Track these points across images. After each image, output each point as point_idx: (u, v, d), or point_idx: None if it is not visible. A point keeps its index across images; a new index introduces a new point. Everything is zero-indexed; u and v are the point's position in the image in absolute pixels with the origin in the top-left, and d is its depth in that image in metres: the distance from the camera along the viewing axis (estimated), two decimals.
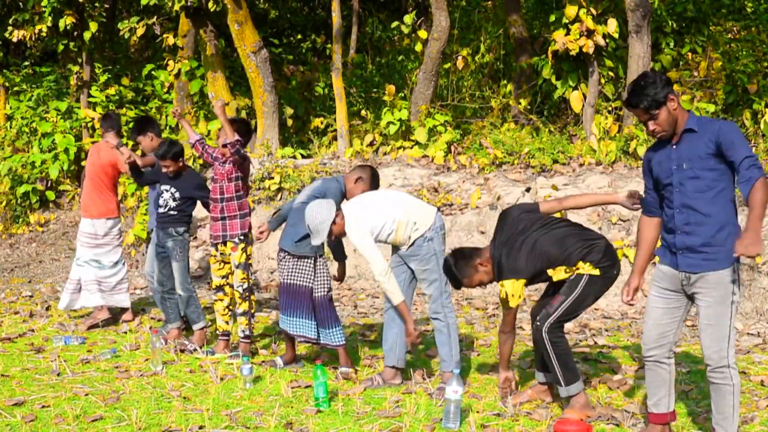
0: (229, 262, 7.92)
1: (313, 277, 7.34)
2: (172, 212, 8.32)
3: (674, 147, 5.24)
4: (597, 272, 6.03)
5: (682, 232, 5.21)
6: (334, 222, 6.56)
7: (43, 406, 6.53)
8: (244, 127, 8.09)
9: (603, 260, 6.06)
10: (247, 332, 7.91)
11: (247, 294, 7.87)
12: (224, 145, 7.71)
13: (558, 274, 6.11)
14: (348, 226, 6.64)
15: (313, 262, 7.34)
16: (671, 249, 5.30)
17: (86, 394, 6.82)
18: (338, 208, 6.67)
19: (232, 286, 7.97)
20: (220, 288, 8.04)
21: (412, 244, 6.73)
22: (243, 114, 13.93)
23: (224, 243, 7.88)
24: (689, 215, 5.19)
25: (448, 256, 6.37)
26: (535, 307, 6.48)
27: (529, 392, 6.56)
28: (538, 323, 6.07)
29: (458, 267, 6.27)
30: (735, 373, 5.23)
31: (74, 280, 9.39)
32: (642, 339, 5.62)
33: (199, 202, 8.50)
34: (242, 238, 7.84)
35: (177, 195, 8.29)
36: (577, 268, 6.04)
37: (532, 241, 6.09)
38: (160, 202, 8.34)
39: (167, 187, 8.32)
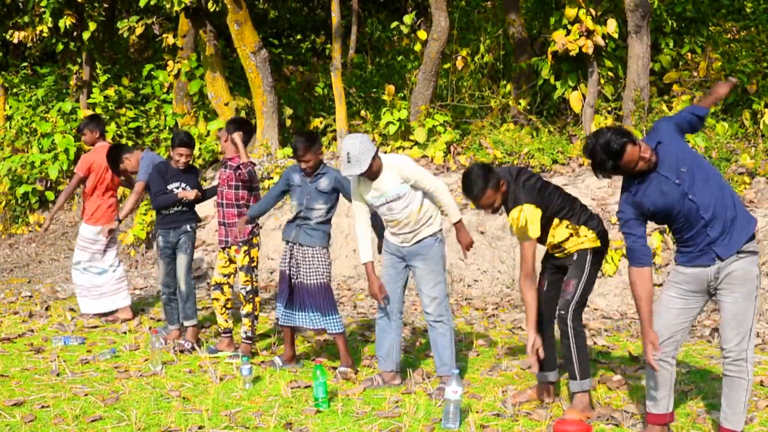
0: (235, 262, 7.96)
1: (314, 268, 7.38)
2: (183, 209, 8.40)
3: (660, 171, 5.26)
4: (598, 243, 6.08)
5: (712, 227, 5.21)
6: (375, 156, 6.49)
7: (43, 407, 6.53)
8: (248, 127, 8.11)
9: (599, 227, 6.15)
10: (250, 333, 7.93)
11: (251, 296, 7.89)
12: (238, 167, 7.79)
13: (560, 231, 6.12)
14: (403, 162, 6.64)
15: (316, 251, 7.37)
16: (703, 249, 5.29)
17: (86, 395, 6.83)
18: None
19: (231, 287, 7.98)
20: (218, 285, 8.05)
21: (421, 240, 6.72)
22: (243, 114, 13.93)
23: (229, 247, 7.94)
24: (714, 209, 5.21)
25: (474, 165, 6.27)
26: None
27: (530, 392, 6.56)
28: (562, 312, 6.07)
29: (485, 176, 6.03)
30: (751, 369, 5.26)
31: (82, 285, 9.54)
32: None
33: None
34: (246, 241, 7.86)
35: (188, 188, 8.39)
36: (580, 235, 6.06)
37: (546, 185, 6.17)
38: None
39: (176, 184, 8.39)
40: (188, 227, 8.42)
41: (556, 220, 6.11)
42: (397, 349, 6.99)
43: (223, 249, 7.99)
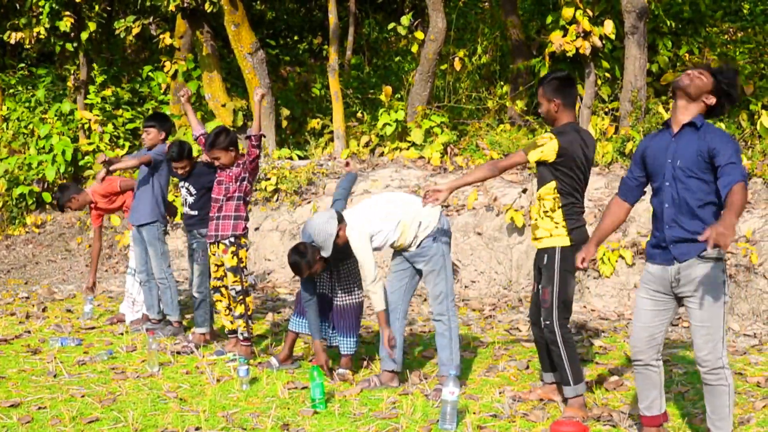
0: (222, 264, 7.92)
1: (334, 285, 7.45)
2: (193, 212, 8.40)
3: (673, 139, 5.24)
4: (568, 242, 6.08)
5: (670, 226, 5.23)
6: (337, 235, 6.68)
7: (40, 408, 6.52)
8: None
9: (577, 225, 6.16)
10: (246, 334, 7.90)
11: (241, 297, 7.85)
12: (247, 137, 7.81)
13: (546, 194, 6.13)
14: (349, 229, 6.68)
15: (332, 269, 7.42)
16: (660, 244, 5.30)
17: (83, 396, 6.82)
18: (340, 218, 6.72)
19: (227, 288, 7.97)
20: (216, 289, 8.05)
21: (420, 244, 6.73)
22: (240, 115, 13.93)
23: (216, 243, 7.89)
24: (678, 211, 5.20)
25: (563, 72, 6.36)
26: (532, 310, 6.49)
27: (539, 392, 6.57)
28: (548, 323, 6.09)
29: (563, 86, 6.19)
30: (729, 373, 5.23)
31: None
32: (630, 343, 5.62)
33: None
34: (233, 240, 7.82)
35: (192, 189, 8.40)
36: (554, 219, 6.09)
37: (586, 157, 6.22)
38: (182, 201, 8.52)
39: (183, 183, 8.46)
40: (198, 233, 8.41)
41: (553, 182, 6.11)
42: (400, 350, 6.99)
43: (210, 245, 7.99)
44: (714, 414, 5.30)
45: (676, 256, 5.23)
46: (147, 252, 8.82)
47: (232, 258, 7.80)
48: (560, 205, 6.10)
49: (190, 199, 8.41)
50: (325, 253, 6.74)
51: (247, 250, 8.00)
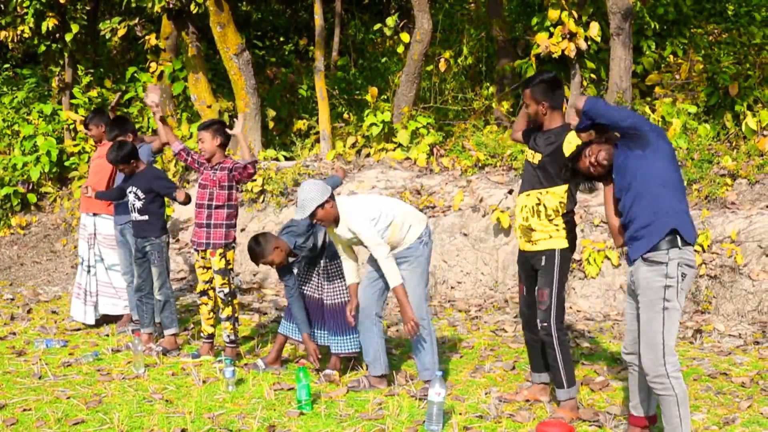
0: (210, 268, 7.88)
1: (322, 285, 7.43)
2: (142, 217, 8.25)
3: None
4: (566, 244, 6.11)
5: (628, 221, 5.39)
6: (322, 206, 6.55)
7: (25, 410, 6.51)
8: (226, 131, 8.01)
9: (573, 228, 6.20)
10: (233, 336, 7.88)
11: (229, 299, 7.82)
12: (245, 165, 7.68)
13: (554, 196, 6.10)
14: (350, 215, 6.63)
15: (319, 269, 7.41)
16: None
17: (68, 398, 6.81)
18: (332, 196, 6.68)
19: (215, 290, 7.93)
20: (204, 292, 8.00)
21: (408, 245, 6.73)
22: (225, 116, 13.91)
23: (205, 250, 7.85)
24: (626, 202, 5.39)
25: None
26: (522, 311, 6.50)
27: (526, 393, 6.58)
28: (545, 324, 6.10)
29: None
30: (678, 382, 5.18)
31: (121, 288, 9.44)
32: (623, 342, 5.66)
33: (166, 198, 8.48)
34: (224, 246, 7.81)
35: (140, 193, 8.23)
36: (555, 224, 6.10)
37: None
38: (129, 206, 8.34)
39: (130, 187, 8.30)
40: (152, 237, 8.28)
41: (566, 186, 6.08)
42: (383, 352, 6.99)
43: (197, 251, 7.94)
44: (667, 424, 5.26)
45: (629, 254, 5.32)
46: (131, 253, 8.73)
47: (220, 260, 7.76)
48: (567, 209, 6.10)
49: (138, 204, 8.24)
50: (300, 215, 6.58)
51: (234, 252, 7.97)
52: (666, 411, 5.23)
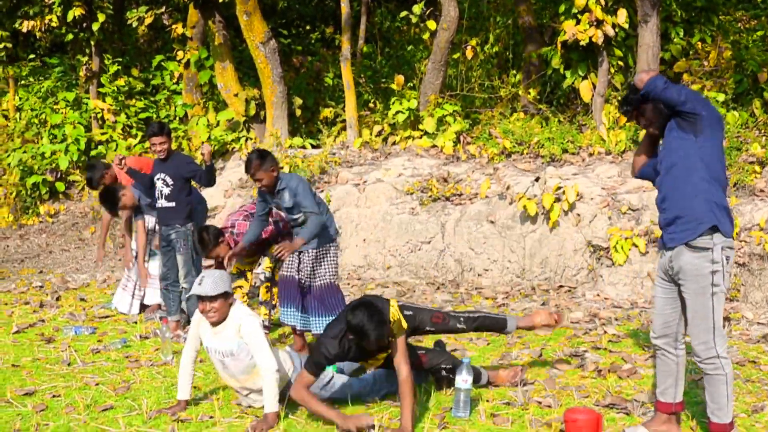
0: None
1: (305, 268, 7.45)
2: (170, 203, 8.30)
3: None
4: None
5: (663, 210, 5.38)
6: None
7: (54, 396, 6.55)
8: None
9: None
10: (266, 323, 7.86)
11: (268, 284, 7.85)
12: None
13: None
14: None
15: (315, 254, 7.44)
16: (662, 228, 5.42)
17: (97, 384, 6.85)
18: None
19: (252, 272, 7.95)
20: (241, 273, 8.02)
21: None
22: (252, 105, 13.93)
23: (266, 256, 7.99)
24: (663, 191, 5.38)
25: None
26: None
27: (503, 373, 6.67)
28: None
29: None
30: (726, 362, 5.22)
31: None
32: (651, 327, 5.63)
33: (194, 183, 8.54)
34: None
35: (169, 180, 8.28)
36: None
37: None
38: (156, 194, 8.37)
39: (160, 175, 8.32)
40: (177, 224, 8.35)
41: None
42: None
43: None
44: (713, 402, 5.30)
45: (665, 242, 5.30)
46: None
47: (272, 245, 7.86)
48: None
49: (167, 191, 8.29)
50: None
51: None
52: (714, 390, 5.27)
